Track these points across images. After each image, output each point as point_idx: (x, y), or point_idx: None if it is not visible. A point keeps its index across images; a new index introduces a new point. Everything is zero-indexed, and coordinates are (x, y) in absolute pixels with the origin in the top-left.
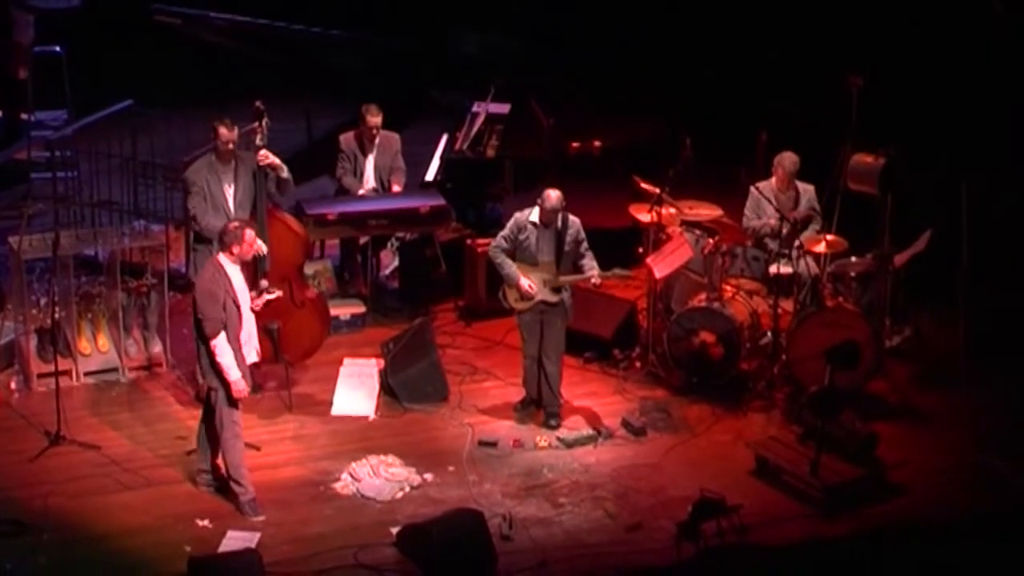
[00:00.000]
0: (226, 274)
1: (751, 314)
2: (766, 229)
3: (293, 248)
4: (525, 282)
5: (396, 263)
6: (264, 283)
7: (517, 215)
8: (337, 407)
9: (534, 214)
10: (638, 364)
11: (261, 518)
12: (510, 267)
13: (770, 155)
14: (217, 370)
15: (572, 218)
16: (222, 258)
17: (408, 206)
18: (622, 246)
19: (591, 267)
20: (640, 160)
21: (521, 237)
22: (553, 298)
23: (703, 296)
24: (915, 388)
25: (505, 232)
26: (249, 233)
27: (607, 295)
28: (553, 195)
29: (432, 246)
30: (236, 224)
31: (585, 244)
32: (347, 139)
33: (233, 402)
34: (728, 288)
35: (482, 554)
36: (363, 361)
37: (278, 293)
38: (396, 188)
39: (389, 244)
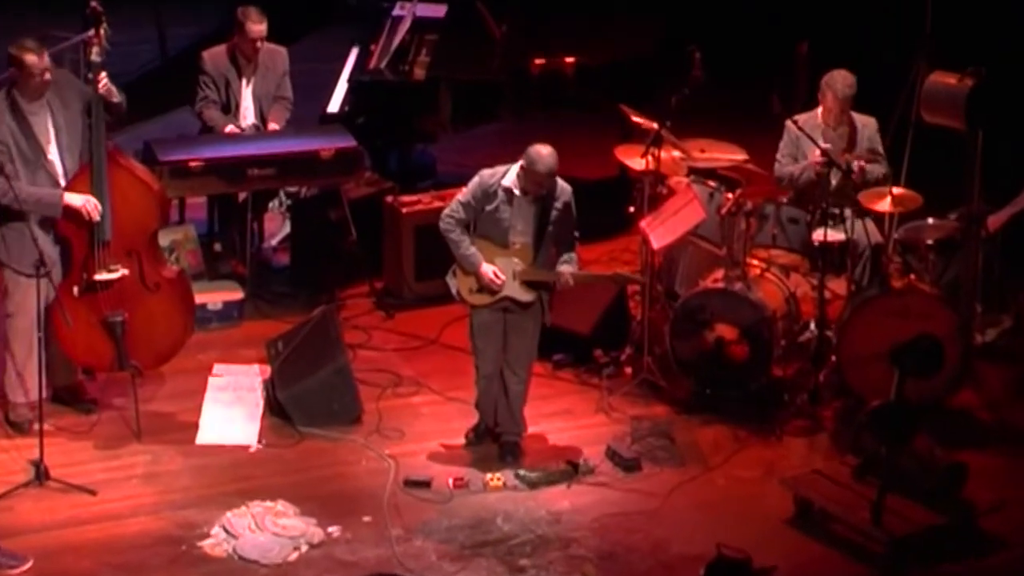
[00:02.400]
0: None
1: (787, 299)
2: (807, 176)
3: (144, 208)
4: (489, 269)
5: (287, 230)
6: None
7: (484, 174)
8: (205, 433)
9: (510, 176)
10: (628, 370)
11: (26, 566)
12: (469, 247)
13: (815, 75)
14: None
15: (562, 184)
16: None
17: (304, 149)
18: (606, 205)
19: (567, 259)
20: (631, 84)
21: (489, 207)
22: (525, 296)
23: (720, 274)
24: (1017, 401)
25: (464, 196)
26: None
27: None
28: (545, 154)
29: (338, 206)
30: None
31: (573, 230)
32: (215, 56)
33: None
34: (755, 262)
35: None
36: (241, 368)
37: (123, 272)
38: (274, 125)
39: (276, 203)
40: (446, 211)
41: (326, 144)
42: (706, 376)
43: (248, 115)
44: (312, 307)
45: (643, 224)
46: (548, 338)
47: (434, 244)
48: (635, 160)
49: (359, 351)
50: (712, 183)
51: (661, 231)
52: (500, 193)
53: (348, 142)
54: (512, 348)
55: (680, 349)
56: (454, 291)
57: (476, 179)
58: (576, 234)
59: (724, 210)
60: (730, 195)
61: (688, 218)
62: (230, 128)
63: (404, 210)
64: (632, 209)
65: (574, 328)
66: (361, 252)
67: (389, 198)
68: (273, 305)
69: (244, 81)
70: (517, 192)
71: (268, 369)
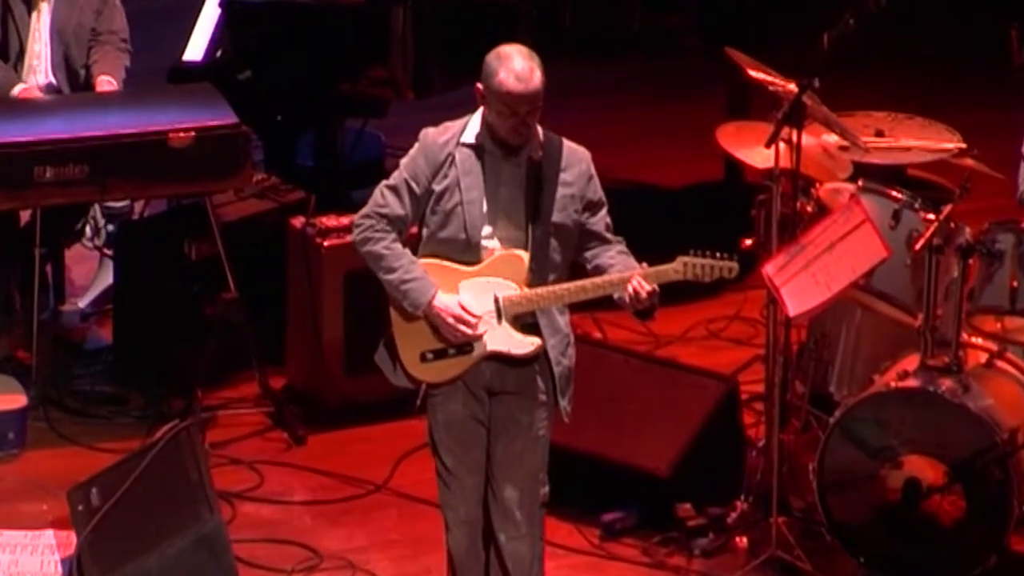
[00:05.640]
0: None
1: None
2: None
3: None
4: (452, 301)
5: (107, 280)
6: None
7: (428, 136)
8: None
9: (470, 130)
10: (742, 541)
11: None
12: (411, 267)
13: None
14: None
15: (572, 147)
16: None
17: (141, 130)
18: (703, 233)
19: (622, 263)
20: (746, 9)
21: (438, 187)
22: (522, 346)
23: (912, 363)
24: None
25: (397, 177)
26: None
27: (658, 359)
28: (516, 58)
29: (203, 235)
30: None
31: (603, 211)
32: None
33: None
34: (979, 340)
35: None
36: (20, 537)
37: None
38: (107, 81)
39: (88, 230)
40: (363, 209)
41: (181, 120)
42: (887, 551)
43: (42, 66)
44: (154, 424)
45: (770, 270)
46: (593, 480)
47: (379, 304)
48: (755, 152)
49: (242, 505)
50: (899, 194)
51: (804, 283)
52: (459, 158)
53: (222, 117)
54: (503, 469)
55: (839, 503)
56: (388, 366)
57: (416, 146)
58: (608, 223)
59: (920, 243)
60: (934, 216)
61: (854, 258)
62: (20, 89)
63: (326, 243)
64: (750, 242)
65: (642, 464)
66: (246, 321)
67: (298, 220)
68: (82, 419)
69: (36, 7)
70: (488, 150)
71: (72, 537)
